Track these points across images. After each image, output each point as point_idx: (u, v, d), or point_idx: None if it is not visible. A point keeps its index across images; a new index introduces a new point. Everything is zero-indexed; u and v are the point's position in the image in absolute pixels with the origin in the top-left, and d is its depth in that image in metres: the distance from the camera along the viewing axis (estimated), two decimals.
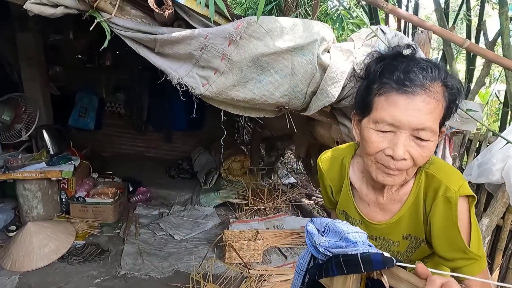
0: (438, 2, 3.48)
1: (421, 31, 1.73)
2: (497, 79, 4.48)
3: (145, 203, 3.75)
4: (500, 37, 2.76)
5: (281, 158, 5.06)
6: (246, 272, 2.46)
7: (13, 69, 3.58)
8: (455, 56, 3.51)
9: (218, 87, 1.43)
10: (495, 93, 4.28)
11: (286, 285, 2.36)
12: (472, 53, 3.48)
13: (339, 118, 1.68)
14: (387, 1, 2.12)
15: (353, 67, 1.34)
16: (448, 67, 2.96)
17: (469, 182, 2.14)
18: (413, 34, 2.71)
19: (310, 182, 4.65)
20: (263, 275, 2.43)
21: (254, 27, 1.33)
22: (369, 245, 0.71)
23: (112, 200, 3.18)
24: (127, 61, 4.53)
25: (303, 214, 3.63)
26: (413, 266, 0.62)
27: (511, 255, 2.20)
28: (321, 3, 3.40)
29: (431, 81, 0.74)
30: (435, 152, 1.89)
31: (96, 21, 1.44)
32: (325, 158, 1.04)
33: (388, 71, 0.77)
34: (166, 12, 1.31)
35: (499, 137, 2.11)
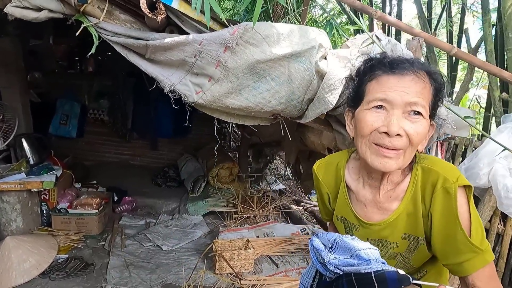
0: (421, 9, 3.56)
1: (412, 38, 1.74)
2: (477, 85, 4.63)
3: (130, 213, 3.64)
4: (483, 43, 2.84)
5: (270, 164, 5.04)
6: (238, 282, 2.40)
7: None
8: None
9: (213, 95, 1.39)
10: (476, 98, 4.40)
11: None
12: (454, 60, 3.58)
13: (334, 125, 1.66)
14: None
15: (351, 74, 1.33)
16: None
17: None
18: (398, 41, 2.76)
19: (299, 188, 4.64)
20: (255, 285, 2.38)
21: (251, 33, 1.29)
22: (382, 262, 0.68)
23: (96, 211, 3.07)
24: (111, 67, 4.44)
25: (293, 221, 3.62)
26: (431, 284, 0.59)
27: (499, 257, 2.23)
28: (308, 11, 3.42)
29: (417, 68, 0.81)
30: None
31: (82, 26, 1.37)
32: (320, 165, 1.05)
33: (378, 63, 0.84)
34: (159, 17, 1.26)
35: (485, 142, 2.16)
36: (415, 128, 0.78)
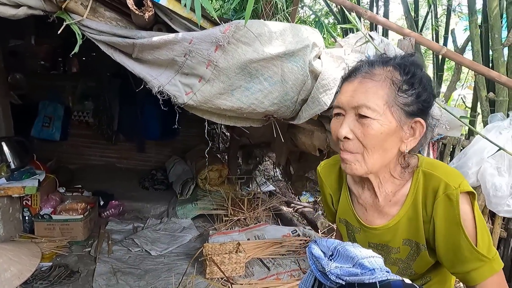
0: (408, 10, 3.60)
1: (404, 38, 1.74)
2: (462, 85, 4.71)
3: (117, 218, 3.55)
4: (469, 43, 2.88)
5: (259, 165, 5.01)
6: (229, 287, 2.36)
7: None
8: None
9: (203, 96, 1.34)
10: (462, 98, 4.48)
11: None
12: (440, 60, 3.62)
13: (327, 126, 1.63)
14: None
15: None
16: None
17: None
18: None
19: (289, 189, 4.62)
20: None
21: (243, 31, 1.25)
22: (386, 271, 0.65)
23: (82, 216, 2.97)
24: (95, 67, 4.34)
25: (284, 223, 3.59)
26: None
27: None
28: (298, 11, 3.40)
29: (374, 67, 0.81)
30: None
31: (65, 23, 1.30)
32: (324, 165, 1.05)
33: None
34: (146, 14, 1.20)
35: (473, 141, 2.18)
36: (364, 131, 0.78)
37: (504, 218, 2.28)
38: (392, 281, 0.62)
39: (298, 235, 3.12)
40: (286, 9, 2.70)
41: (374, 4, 4.16)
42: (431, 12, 3.86)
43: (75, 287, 2.36)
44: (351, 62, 1.33)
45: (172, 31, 1.33)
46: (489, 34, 2.56)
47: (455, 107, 3.20)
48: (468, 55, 3.28)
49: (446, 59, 3.17)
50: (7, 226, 2.74)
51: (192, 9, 1.19)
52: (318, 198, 4.43)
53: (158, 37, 1.26)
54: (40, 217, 2.92)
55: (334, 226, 1.15)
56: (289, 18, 2.63)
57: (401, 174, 0.86)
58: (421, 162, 0.86)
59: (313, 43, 1.31)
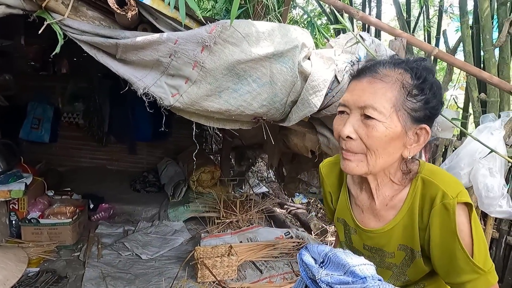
0: (400, 10, 3.60)
1: (395, 38, 1.72)
2: (454, 85, 4.73)
3: (108, 221, 3.49)
4: (461, 44, 2.88)
5: (252, 167, 4.97)
6: None
7: None
8: None
9: (190, 98, 1.30)
10: (453, 98, 4.49)
11: None
12: (432, 61, 3.63)
13: (318, 128, 1.61)
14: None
15: (335, 75, 1.28)
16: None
17: None
18: None
19: (282, 190, 4.59)
20: None
21: (230, 31, 1.22)
22: (379, 279, 0.62)
23: (70, 219, 2.91)
24: (86, 68, 4.28)
25: (276, 224, 3.56)
26: None
27: None
28: (289, 11, 3.39)
29: (385, 67, 0.78)
30: None
31: (46, 23, 1.26)
32: (325, 164, 1.05)
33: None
34: (129, 14, 1.16)
35: (465, 142, 2.17)
36: (368, 132, 0.76)
37: (496, 218, 2.28)
38: None
39: (291, 237, 3.09)
40: (278, 9, 2.67)
41: (367, 5, 4.16)
42: (423, 13, 3.87)
43: None
44: (341, 63, 1.30)
45: (158, 31, 1.29)
46: (481, 35, 2.57)
47: (447, 108, 3.21)
48: (459, 55, 3.29)
49: (438, 59, 3.17)
50: None
51: (177, 8, 1.16)
52: (311, 199, 4.41)
53: (142, 37, 1.22)
54: (27, 221, 2.85)
55: (332, 226, 1.14)
56: (280, 18, 2.61)
57: (401, 180, 0.85)
58: (422, 168, 0.84)
59: (302, 43, 1.28)
